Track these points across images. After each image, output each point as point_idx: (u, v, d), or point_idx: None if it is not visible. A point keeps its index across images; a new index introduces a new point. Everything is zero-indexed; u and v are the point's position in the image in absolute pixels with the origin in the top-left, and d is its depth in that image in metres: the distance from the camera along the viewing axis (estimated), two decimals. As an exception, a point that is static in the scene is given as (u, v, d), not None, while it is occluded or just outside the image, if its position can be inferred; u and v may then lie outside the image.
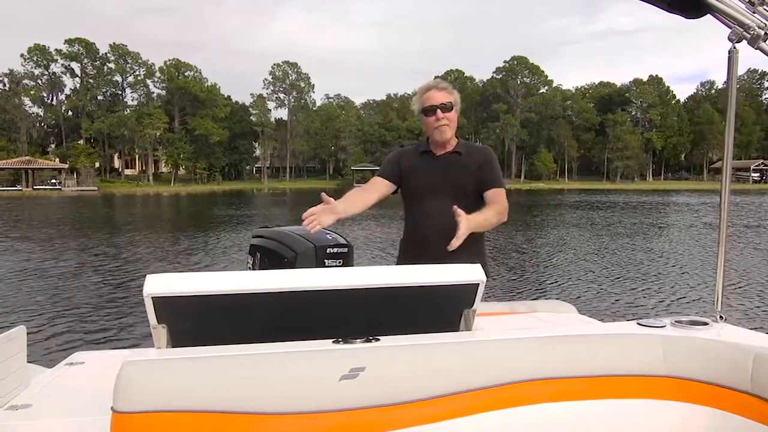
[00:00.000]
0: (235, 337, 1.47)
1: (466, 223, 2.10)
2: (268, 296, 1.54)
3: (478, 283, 1.69)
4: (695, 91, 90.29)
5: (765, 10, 1.59)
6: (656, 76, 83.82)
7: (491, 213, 2.37)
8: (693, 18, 1.82)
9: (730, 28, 1.64)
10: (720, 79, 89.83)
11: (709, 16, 1.74)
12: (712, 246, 14.42)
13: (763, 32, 1.58)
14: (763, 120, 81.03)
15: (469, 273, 1.69)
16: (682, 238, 16.78)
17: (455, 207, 2.15)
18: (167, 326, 1.51)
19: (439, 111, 2.45)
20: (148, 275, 1.48)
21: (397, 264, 2.66)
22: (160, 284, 1.46)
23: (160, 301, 1.46)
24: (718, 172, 79.35)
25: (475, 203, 2.48)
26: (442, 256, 2.07)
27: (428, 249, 2.38)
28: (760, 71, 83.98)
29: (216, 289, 1.50)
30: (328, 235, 2.66)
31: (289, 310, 1.60)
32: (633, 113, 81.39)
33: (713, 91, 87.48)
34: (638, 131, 79.29)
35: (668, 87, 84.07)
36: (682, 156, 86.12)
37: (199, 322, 1.57)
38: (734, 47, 1.66)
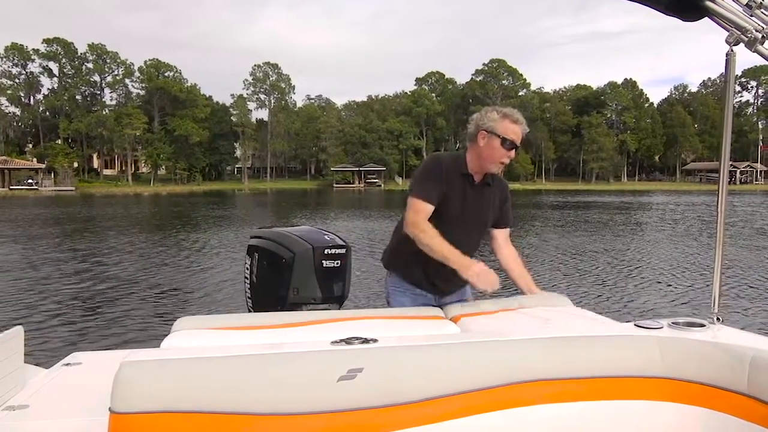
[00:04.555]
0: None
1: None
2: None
3: None
4: (669, 94, 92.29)
5: (762, 13, 1.60)
6: (630, 79, 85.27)
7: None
8: (690, 20, 1.83)
9: (728, 30, 1.64)
10: (695, 82, 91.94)
11: (706, 18, 1.77)
12: (693, 247, 14.68)
13: (760, 35, 1.58)
14: (734, 123, 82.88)
15: None
16: (662, 238, 17.05)
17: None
18: None
19: (513, 151, 2.34)
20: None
21: (387, 269, 2.58)
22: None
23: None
24: (690, 173, 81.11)
25: (485, 233, 2.58)
26: (441, 280, 2.41)
27: (430, 274, 2.43)
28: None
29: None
30: (326, 236, 2.62)
31: None
32: (608, 116, 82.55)
33: (686, 95, 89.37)
34: (613, 133, 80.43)
35: (642, 90, 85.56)
36: (656, 157, 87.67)
37: None
38: (732, 50, 1.66)
